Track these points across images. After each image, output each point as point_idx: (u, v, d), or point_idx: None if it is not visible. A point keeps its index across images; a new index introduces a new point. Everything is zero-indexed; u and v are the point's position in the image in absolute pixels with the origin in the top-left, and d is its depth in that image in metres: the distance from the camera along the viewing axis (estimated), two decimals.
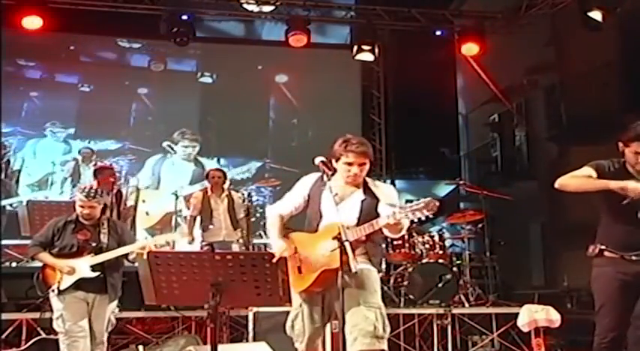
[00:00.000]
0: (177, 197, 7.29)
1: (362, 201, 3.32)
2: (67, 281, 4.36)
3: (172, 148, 9.53)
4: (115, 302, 4.58)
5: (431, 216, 3.12)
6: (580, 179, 3.51)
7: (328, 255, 3.13)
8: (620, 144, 3.52)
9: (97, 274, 4.37)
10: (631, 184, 3.34)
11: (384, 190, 3.42)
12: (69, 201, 7.36)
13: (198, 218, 6.79)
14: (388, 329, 3.23)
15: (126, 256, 4.53)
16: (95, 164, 8.10)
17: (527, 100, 9.66)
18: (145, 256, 2.64)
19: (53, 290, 4.38)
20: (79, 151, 9.01)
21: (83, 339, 4.32)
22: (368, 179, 3.43)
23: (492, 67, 9.57)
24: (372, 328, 3.13)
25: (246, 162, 9.55)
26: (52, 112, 9.31)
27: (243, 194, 7.07)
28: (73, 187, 8.51)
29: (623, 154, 3.53)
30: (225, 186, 7.00)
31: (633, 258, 3.47)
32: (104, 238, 4.48)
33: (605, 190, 3.40)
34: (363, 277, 3.14)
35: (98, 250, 4.44)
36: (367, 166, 3.33)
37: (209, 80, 10.09)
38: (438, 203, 3.09)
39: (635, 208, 3.44)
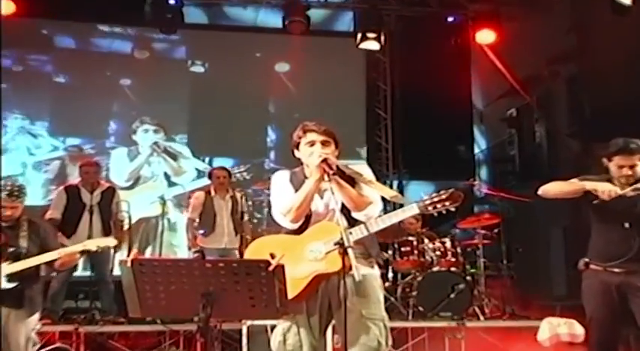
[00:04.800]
0: (164, 202, 7.30)
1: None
2: None
3: (136, 142, 9.30)
4: (36, 317, 4.29)
5: (453, 209, 3.10)
6: (560, 184, 3.85)
7: (321, 258, 3.09)
8: (604, 159, 3.84)
9: (13, 285, 4.05)
10: (602, 185, 3.67)
11: (356, 168, 3.31)
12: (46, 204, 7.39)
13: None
14: (390, 342, 3.19)
15: (50, 263, 4.21)
16: None
17: (548, 93, 9.66)
18: (128, 264, 2.64)
19: None
20: (66, 150, 8.94)
21: None
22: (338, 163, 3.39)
23: (510, 57, 9.57)
24: (376, 344, 3.09)
25: (242, 162, 9.38)
26: (22, 106, 9.12)
27: (243, 192, 7.06)
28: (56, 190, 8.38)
29: (607, 170, 3.85)
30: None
31: (615, 270, 3.73)
32: (23, 243, 4.17)
33: (588, 193, 3.72)
34: (365, 284, 3.07)
35: (16, 257, 4.10)
36: (332, 148, 3.27)
37: (200, 69, 9.93)
38: (462, 195, 3.08)
39: (619, 219, 3.74)
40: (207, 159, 9.59)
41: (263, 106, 10.02)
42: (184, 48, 10.00)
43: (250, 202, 8.57)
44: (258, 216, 8.72)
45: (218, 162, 9.25)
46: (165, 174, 9.30)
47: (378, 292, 3.23)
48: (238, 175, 8.45)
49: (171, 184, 9.27)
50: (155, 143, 9.25)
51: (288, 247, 3.14)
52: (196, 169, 9.42)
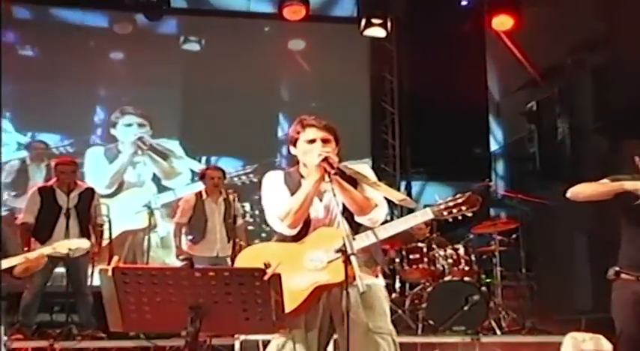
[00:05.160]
0: (151, 212, 7.23)
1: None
2: None
3: (115, 137, 8.70)
4: (1, 331, 4.28)
5: (470, 214, 3.12)
6: (592, 185, 3.83)
7: (322, 268, 3.09)
8: (637, 158, 3.88)
9: None
10: None
11: (357, 168, 3.32)
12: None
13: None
14: None
15: (10, 271, 4.14)
16: (49, 164, 7.73)
17: (572, 84, 9.65)
18: (109, 273, 2.63)
19: None
20: (27, 147, 8.52)
21: None
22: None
23: (529, 45, 9.56)
24: None
25: (249, 162, 8.94)
26: None
27: (236, 193, 6.96)
28: (16, 195, 8.12)
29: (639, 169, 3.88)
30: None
31: None
32: None
33: (621, 194, 3.71)
34: (370, 294, 3.07)
35: None
36: (333, 145, 3.27)
37: (195, 47, 9.32)
38: (480, 198, 3.11)
39: None
40: (204, 159, 9.11)
41: (274, 92, 9.53)
42: (175, 21, 9.33)
43: (257, 212, 8.39)
44: (267, 229, 8.37)
45: (219, 163, 8.64)
46: (155, 177, 8.85)
47: (384, 303, 3.25)
48: (244, 177, 7.98)
49: (161, 189, 8.79)
50: (140, 139, 8.84)
51: (285, 256, 3.11)
52: (191, 170, 8.92)
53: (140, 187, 8.79)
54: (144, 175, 8.84)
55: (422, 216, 3.15)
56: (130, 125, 8.88)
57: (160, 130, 9.03)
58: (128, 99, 9.02)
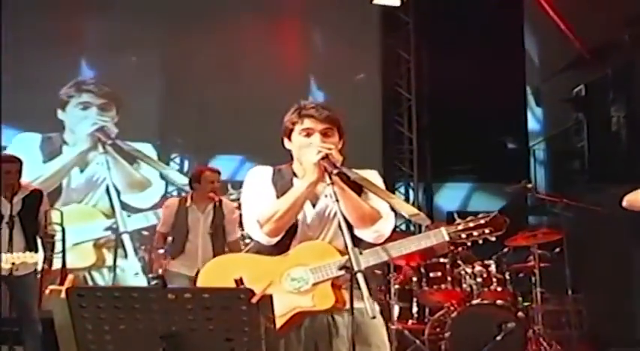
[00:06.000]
0: (118, 235, 7.15)
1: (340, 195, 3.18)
2: None
3: (62, 123, 7.81)
4: None
5: (493, 238, 3.17)
6: None
7: (306, 290, 3.12)
8: None
9: None
10: None
11: (362, 173, 3.29)
12: None
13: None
14: None
15: None
16: None
17: (630, 64, 9.67)
18: (62, 294, 2.65)
19: None
20: None
21: None
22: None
23: (578, 15, 9.58)
24: None
25: (253, 165, 8.38)
26: None
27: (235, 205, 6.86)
28: None
29: None
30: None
31: None
32: None
33: None
34: (364, 320, 3.06)
35: None
36: (335, 140, 3.28)
37: None
38: (507, 220, 3.16)
39: None
40: (196, 159, 8.68)
41: (295, 64, 9.38)
42: None
43: None
44: None
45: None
46: (115, 188, 8.16)
47: (383, 332, 3.26)
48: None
49: (123, 205, 8.09)
50: (100, 130, 8.22)
51: (261, 271, 3.14)
52: (162, 177, 8.33)
53: (88, 203, 7.96)
54: (97, 183, 8.10)
55: (435, 237, 3.18)
56: (86, 107, 8.13)
57: (130, 118, 8.22)
58: (86, 71, 8.22)
